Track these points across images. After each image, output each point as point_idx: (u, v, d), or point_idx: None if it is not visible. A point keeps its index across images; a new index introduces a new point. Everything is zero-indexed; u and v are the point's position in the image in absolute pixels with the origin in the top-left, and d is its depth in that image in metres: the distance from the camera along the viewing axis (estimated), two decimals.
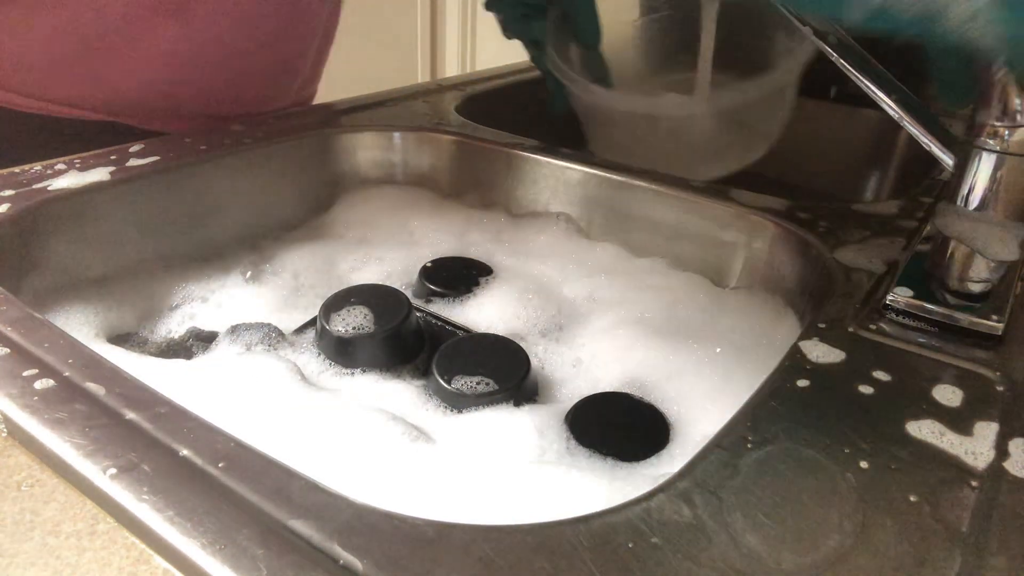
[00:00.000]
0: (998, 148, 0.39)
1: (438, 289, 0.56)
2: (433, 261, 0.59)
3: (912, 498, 0.28)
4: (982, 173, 0.39)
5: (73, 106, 0.65)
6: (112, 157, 0.55)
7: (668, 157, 0.62)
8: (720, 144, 0.65)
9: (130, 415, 0.29)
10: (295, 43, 0.72)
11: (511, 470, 0.37)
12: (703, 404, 0.42)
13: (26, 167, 0.53)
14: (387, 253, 0.60)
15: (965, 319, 0.39)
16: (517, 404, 0.43)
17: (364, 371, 0.47)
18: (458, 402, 0.43)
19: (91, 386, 0.31)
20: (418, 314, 0.52)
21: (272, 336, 0.49)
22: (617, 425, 0.42)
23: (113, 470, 0.27)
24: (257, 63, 0.69)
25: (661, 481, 0.28)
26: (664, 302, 0.52)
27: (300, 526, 0.25)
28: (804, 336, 0.38)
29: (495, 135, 0.67)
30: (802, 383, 0.34)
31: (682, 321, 0.50)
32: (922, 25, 0.31)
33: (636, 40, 0.75)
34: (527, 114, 0.86)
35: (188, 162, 0.57)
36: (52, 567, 0.24)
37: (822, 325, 0.39)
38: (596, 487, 0.36)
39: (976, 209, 0.40)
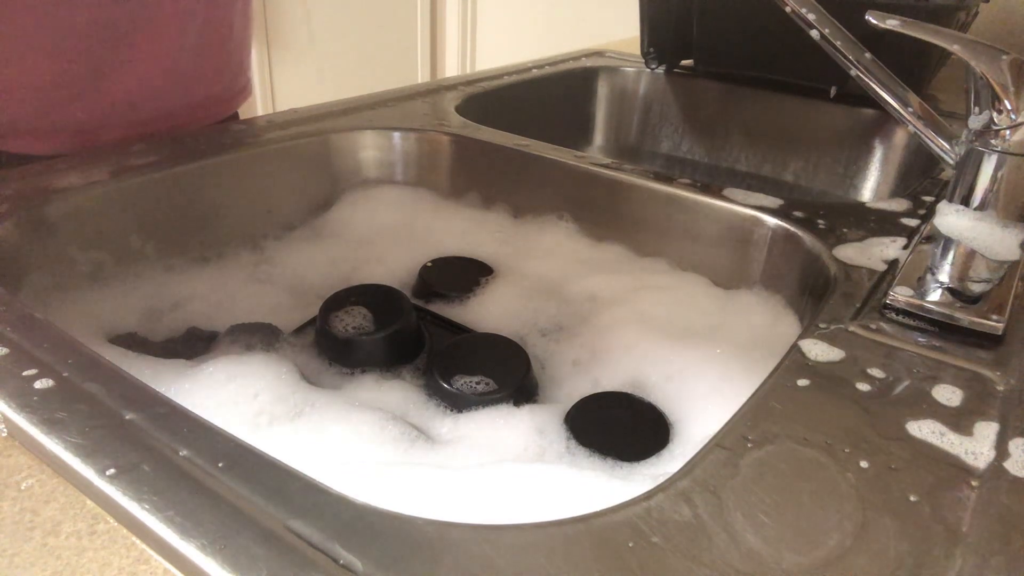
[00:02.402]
0: (999, 148, 0.39)
1: (438, 289, 0.56)
2: (433, 261, 0.59)
3: (912, 498, 0.28)
4: (983, 173, 0.39)
5: None
6: (112, 157, 0.55)
7: None
8: None
9: (130, 415, 0.29)
10: (153, 40, 0.64)
11: (511, 470, 0.37)
12: (703, 404, 0.42)
13: (27, 167, 0.53)
14: (387, 253, 0.60)
15: (965, 319, 0.39)
16: (517, 404, 0.43)
17: (364, 371, 0.47)
18: (458, 402, 0.43)
19: (91, 386, 0.31)
20: (418, 314, 0.52)
21: (272, 336, 0.49)
22: (617, 425, 0.42)
23: (113, 470, 0.27)
24: (116, 59, 0.62)
25: (661, 481, 0.28)
26: (664, 302, 0.52)
27: (300, 526, 0.25)
28: (804, 335, 0.38)
29: (495, 135, 0.67)
30: (802, 382, 0.34)
31: (682, 321, 0.50)
32: None
33: None
34: (527, 114, 0.86)
35: (188, 162, 0.57)
36: (52, 567, 0.24)
37: (822, 324, 0.39)
38: (596, 487, 0.36)
39: (977, 209, 0.40)
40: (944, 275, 0.41)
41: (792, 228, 0.51)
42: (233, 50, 0.73)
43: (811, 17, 0.49)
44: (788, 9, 0.50)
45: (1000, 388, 0.35)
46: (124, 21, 0.61)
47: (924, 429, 0.31)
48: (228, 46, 0.71)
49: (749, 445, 0.30)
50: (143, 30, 0.62)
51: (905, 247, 0.47)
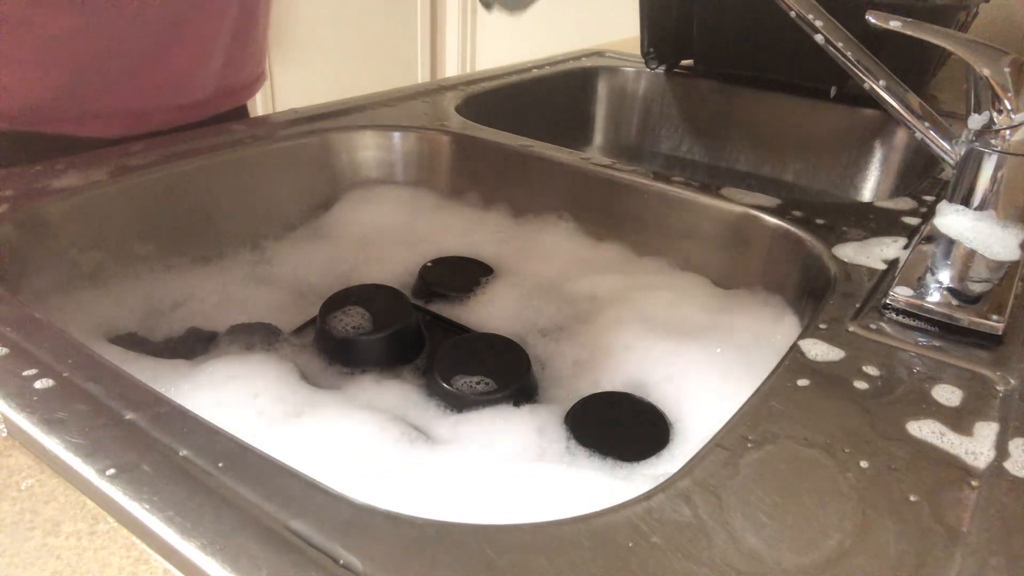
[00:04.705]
0: (999, 148, 0.39)
1: (438, 289, 0.56)
2: (433, 261, 0.59)
3: (912, 498, 0.28)
4: (983, 173, 0.39)
5: None
6: (112, 157, 0.55)
7: None
8: None
9: (130, 415, 0.29)
10: (203, 23, 0.67)
11: (511, 470, 0.37)
12: (703, 404, 0.42)
13: (26, 167, 0.53)
14: (387, 253, 0.60)
15: (965, 319, 0.39)
16: (517, 404, 0.43)
17: (364, 371, 0.47)
18: (458, 402, 0.43)
19: (91, 386, 0.31)
20: (418, 314, 0.52)
21: (272, 336, 0.49)
22: (617, 425, 0.42)
23: (113, 470, 0.27)
24: (167, 45, 0.65)
25: (661, 481, 0.28)
26: (664, 302, 0.52)
27: (300, 526, 0.25)
28: (804, 335, 0.38)
29: (495, 135, 0.67)
30: (802, 382, 0.34)
31: (682, 321, 0.50)
32: None
33: None
34: (527, 114, 0.86)
35: (188, 162, 0.57)
36: (52, 567, 0.24)
37: (822, 324, 0.39)
38: (596, 487, 0.36)
39: (977, 209, 0.40)
40: (944, 275, 0.41)
41: (792, 228, 0.51)
42: (259, 37, 0.76)
43: (818, 24, 0.49)
44: (793, 13, 0.50)
45: (1000, 388, 0.35)
46: (170, 12, 0.63)
47: (924, 429, 0.31)
48: (256, 33, 0.75)
49: (749, 445, 0.30)
50: (189, 19, 0.65)
51: (905, 247, 0.47)
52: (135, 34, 0.63)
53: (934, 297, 0.40)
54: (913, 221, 0.52)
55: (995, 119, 0.39)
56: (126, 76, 0.64)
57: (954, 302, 0.40)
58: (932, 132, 0.46)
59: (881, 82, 0.48)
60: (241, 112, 0.79)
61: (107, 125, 0.65)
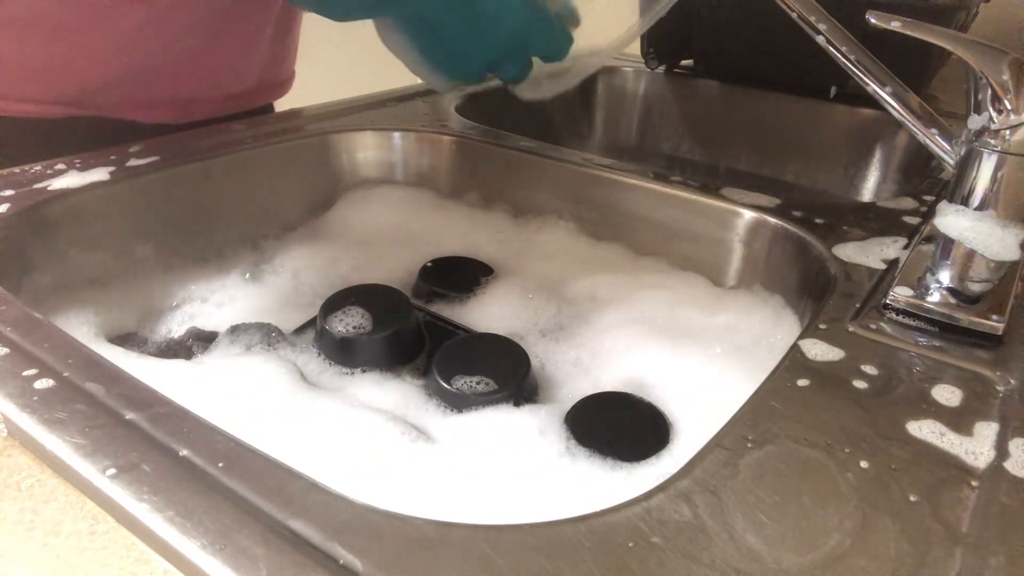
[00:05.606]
0: (999, 148, 0.39)
1: (438, 289, 0.56)
2: (433, 261, 0.59)
3: (912, 498, 0.28)
4: (983, 173, 0.39)
5: (37, 102, 0.62)
6: (112, 157, 0.55)
7: None
8: None
9: (130, 415, 0.29)
10: (251, 15, 0.70)
11: (511, 470, 0.37)
12: (703, 404, 0.42)
13: (26, 167, 0.53)
14: (387, 253, 0.60)
15: (965, 319, 0.39)
16: (517, 404, 0.43)
17: (364, 371, 0.47)
18: (458, 402, 0.43)
19: (91, 386, 0.31)
20: (418, 314, 0.52)
21: (272, 336, 0.49)
22: (617, 425, 0.42)
23: (113, 470, 0.27)
24: (217, 37, 0.67)
25: (661, 481, 0.28)
26: (664, 302, 0.52)
27: (300, 526, 0.25)
28: (804, 335, 0.38)
29: (495, 135, 0.67)
30: (802, 382, 0.34)
31: (682, 321, 0.50)
32: None
33: None
34: (527, 114, 0.86)
35: (188, 162, 0.57)
36: (52, 567, 0.24)
37: (822, 324, 0.39)
38: (596, 487, 0.36)
39: (977, 209, 0.40)
40: (944, 275, 0.41)
41: (792, 227, 0.51)
42: (296, 35, 0.80)
43: (822, 27, 0.49)
44: (794, 14, 0.50)
45: (1000, 388, 0.35)
46: (221, 3, 0.65)
47: (924, 429, 0.31)
48: (295, 30, 0.78)
49: (749, 445, 0.30)
50: (237, 11, 0.67)
51: (905, 246, 0.47)
52: (188, 24, 0.64)
53: (934, 297, 0.40)
54: (913, 221, 0.52)
55: (995, 119, 0.39)
56: (175, 66, 0.66)
57: (954, 302, 0.40)
58: (932, 132, 0.46)
59: (882, 83, 0.48)
60: (268, 111, 0.80)
61: (152, 113, 0.67)
